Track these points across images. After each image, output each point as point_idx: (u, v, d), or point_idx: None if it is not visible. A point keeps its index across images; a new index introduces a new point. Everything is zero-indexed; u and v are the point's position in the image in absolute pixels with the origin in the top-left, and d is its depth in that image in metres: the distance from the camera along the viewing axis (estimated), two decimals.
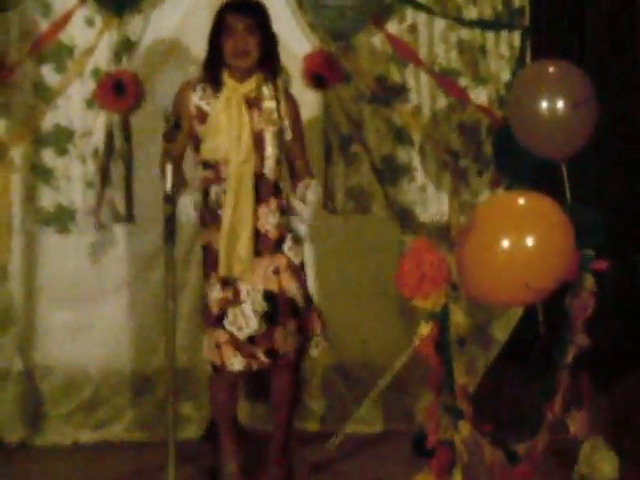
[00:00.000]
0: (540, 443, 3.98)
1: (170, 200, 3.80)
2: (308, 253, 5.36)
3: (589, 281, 4.29)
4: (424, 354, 3.71)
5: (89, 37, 5.16)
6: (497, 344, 5.43)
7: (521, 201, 3.74)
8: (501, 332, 5.42)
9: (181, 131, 4.04)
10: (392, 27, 5.36)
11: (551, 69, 4.89)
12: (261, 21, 4.34)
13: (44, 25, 5.14)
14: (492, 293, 3.70)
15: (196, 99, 4.38)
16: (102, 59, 5.17)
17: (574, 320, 4.20)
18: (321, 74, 5.28)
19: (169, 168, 3.83)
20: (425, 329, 3.70)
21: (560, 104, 4.78)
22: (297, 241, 4.41)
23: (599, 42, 5.75)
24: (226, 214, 4.26)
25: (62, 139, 5.17)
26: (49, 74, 5.16)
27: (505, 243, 3.57)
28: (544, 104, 4.79)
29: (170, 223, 3.79)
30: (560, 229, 3.67)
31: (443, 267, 3.63)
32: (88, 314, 5.27)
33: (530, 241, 3.58)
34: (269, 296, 4.29)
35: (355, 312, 5.42)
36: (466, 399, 3.69)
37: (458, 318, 3.71)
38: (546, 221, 3.66)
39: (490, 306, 5.12)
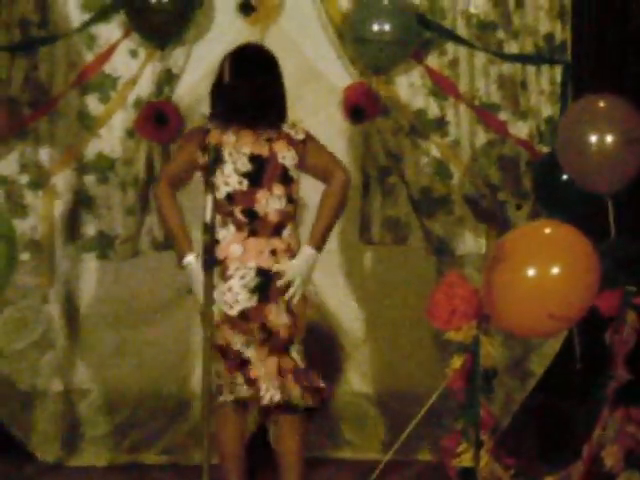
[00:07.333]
0: (574, 476, 3.94)
1: (208, 230, 3.83)
2: (344, 284, 5.42)
3: (631, 316, 4.26)
4: (454, 387, 3.70)
5: (132, 68, 5.28)
6: (534, 377, 5.39)
7: (547, 231, 3.72)
8: (538, 365, 5.39)
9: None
10: (432, 61, 5.38)
11: (602, 104, 4.79)
12: None
13: (89, 56, 5.26)
14: (518, 323, 3.67)
15: None
16: (144, 90, 5.26)
17: (615, 355, 4.17)
18: (360, 106, 5.31)
19: (209, 199, 3.86)
20: (458, 362, 3.70)
21: (610, 139, 4.72)
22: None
23: None
24: None
25: (104, 167, 5.27)
26: (93, 104, 5.28)
27: (530, 273, 3.54)
28: (593, 138, 4.72)
29: (209, 251, 3.81)
30: (584, 259, 3.62)
31: (474, 300, 3.62)
32: (126, 338, 5.34)
33: (554, 271, 3.54)
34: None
35: (390, 343, 5.42)
36: (489, 431, 3.66)
37: (488, 350, 3.69)
38: (570, 251, 3.62)
39: (527, 339, 5.10)
